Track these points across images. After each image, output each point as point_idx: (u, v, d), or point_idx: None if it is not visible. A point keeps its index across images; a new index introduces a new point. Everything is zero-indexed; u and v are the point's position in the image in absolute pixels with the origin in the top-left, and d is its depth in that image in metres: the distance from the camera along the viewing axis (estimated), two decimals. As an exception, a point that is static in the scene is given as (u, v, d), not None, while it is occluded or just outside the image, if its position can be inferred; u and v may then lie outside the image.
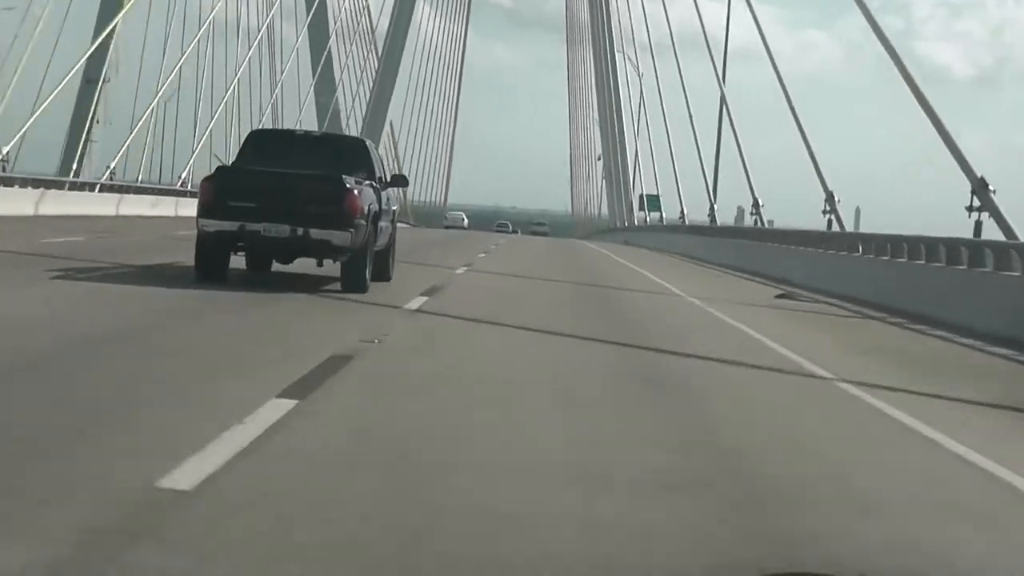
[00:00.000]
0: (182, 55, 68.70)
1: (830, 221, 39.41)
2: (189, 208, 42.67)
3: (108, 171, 58.57)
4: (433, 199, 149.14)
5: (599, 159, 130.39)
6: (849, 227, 39.80)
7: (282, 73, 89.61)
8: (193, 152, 70.26)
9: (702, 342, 16.87)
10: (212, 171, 20.80)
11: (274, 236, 19.60)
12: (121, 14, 60.82)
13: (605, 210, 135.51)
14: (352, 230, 19.63)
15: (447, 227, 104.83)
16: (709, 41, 58.74)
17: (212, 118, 72.92)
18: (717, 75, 53.73)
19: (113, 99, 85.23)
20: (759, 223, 50.62)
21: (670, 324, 19.74)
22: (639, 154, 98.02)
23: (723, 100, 56.98)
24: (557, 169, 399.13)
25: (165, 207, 57.00)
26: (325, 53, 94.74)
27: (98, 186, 53.68)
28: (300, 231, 19.54)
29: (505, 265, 34.51)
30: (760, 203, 50.27)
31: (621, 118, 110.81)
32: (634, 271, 38.00)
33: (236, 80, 79.11)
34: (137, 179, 69.39)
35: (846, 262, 32.33)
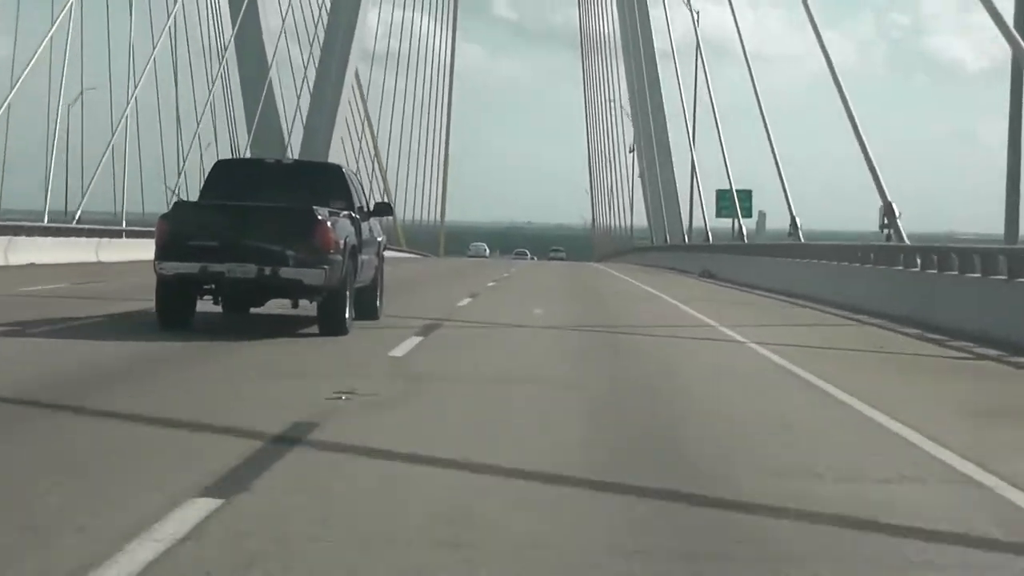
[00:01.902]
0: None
1: (888, 236, 33.69)
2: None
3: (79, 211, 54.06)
4: (426, 219, 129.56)
5: (631, 151, 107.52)
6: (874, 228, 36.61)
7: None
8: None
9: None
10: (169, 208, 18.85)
11: (240, 277, 17.68)
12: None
13: (635, 220, 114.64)
14: (326, 267, 17.68)
15: (471, 256, 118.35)
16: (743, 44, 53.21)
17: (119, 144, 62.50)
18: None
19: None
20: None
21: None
22: (691, 136, 73.09)
23: (839, 87, 36.01)
24: (574, 183, 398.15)
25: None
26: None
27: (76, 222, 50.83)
28: (268, 271, 17.62)
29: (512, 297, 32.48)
30: (898, 211, 34.42)
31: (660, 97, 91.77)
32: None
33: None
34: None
35: None
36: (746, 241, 59.70)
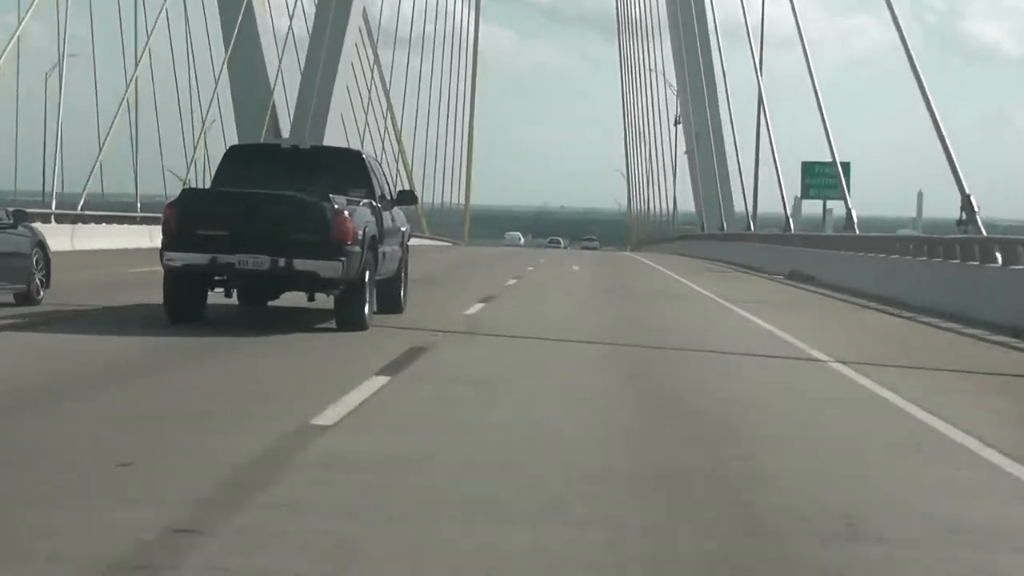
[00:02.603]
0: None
1: (966, 231, 29.03)
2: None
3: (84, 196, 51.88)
4: (451, 203, 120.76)
5: (677, 123, 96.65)
6: (912, 213, 34.66)
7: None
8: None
9: None
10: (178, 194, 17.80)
11: (252, 269, 16.62)
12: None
13: (679, 204, 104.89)
14: (343, 259, 16.61)
15: (506, 245, 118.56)
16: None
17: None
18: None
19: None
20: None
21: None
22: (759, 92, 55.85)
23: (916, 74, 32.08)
24: (607, 166, 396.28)
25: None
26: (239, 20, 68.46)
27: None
28: (282, 262, 16.55)
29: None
30: (976, 206, 29.35)
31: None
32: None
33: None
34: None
35: None
36: (856, 231, 40.58)
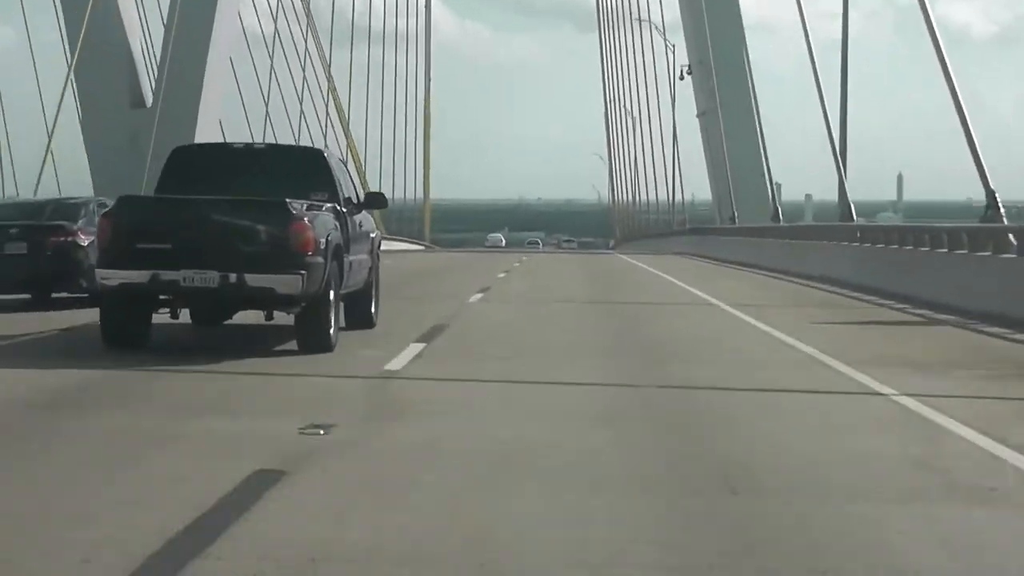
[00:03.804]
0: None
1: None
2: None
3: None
4: (406, 196, 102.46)
5: (684, 76, 76.76)
6: (891, 197, 32.11)
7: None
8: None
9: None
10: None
11: (199, 287, 14.56)
12: None
13: (678, 193, 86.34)
14: (303, 272, 14.56)
15: (488, 247, 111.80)
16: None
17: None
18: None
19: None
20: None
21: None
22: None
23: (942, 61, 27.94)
24: (585, 156, 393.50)
25: None
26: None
27: None
28: (233, 278, 14.49)
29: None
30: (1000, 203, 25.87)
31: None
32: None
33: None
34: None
35: None
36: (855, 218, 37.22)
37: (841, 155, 39.12)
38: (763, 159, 61.60)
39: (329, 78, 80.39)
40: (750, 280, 36.08)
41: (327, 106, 79.80)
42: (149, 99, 63.34)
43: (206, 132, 60.94)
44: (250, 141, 18.06)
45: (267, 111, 70.93)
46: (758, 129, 63.15)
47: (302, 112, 75.00)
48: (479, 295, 26.58)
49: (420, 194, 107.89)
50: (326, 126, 78.86)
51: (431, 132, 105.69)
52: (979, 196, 27.95)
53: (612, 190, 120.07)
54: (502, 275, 36.31)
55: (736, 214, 60.60)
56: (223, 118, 65.16)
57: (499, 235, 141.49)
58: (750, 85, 66.91)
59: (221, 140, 51.60)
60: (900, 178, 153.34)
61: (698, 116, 76.50)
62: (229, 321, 17.26)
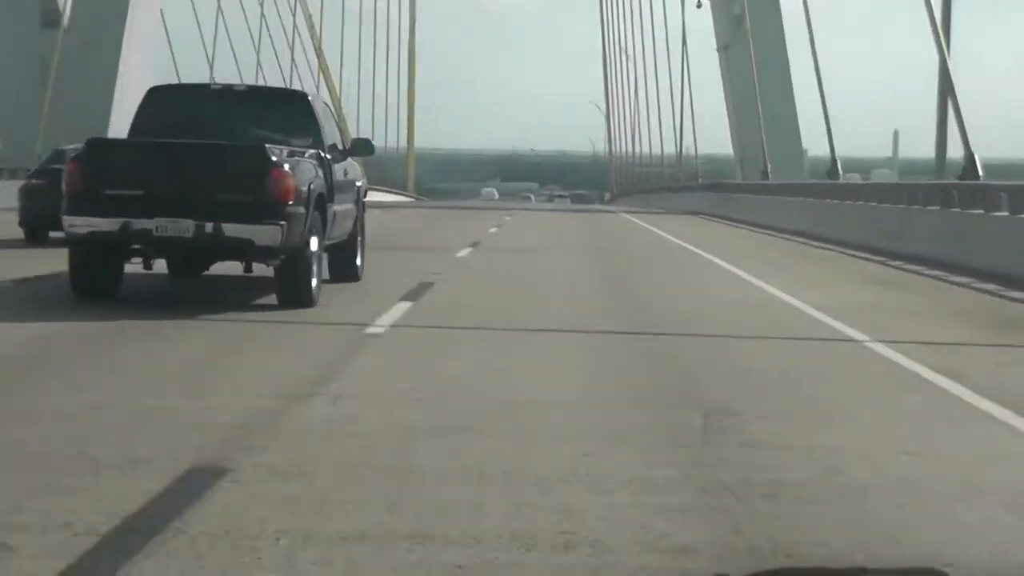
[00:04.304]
0: None
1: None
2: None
3: None
4: (389, 145, 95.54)
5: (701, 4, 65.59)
6: (887, 153, 31.63)
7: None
8: None
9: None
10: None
11: (173, 236, 13.72)
12: None
13: (688, 146, 74.57)
14: (283, 222, 13.72)
15: (482, 200, 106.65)
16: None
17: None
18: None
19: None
20: None
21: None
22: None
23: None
24: (579, 107, 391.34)
25: None
26: None
27: None
28: (209, 227, 13.65)
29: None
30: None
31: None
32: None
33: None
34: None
35: None
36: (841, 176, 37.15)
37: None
38: (794, 104, 54.35)
39: (308, 16, 74.51)
40: (875, 275, 22.17)
41: (292, 43, 72.89)
42: (67, 17, 54.17)
43: (134, 60, 54.55)
44: (231, 82, 17.00)
45: (216, 45, 63.69)
46: (788, 67, 55.61)
47: (275, 51, 68.90)
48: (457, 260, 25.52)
49: (400, 142, 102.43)
50: (291, 67, 72.34)
51: (418, 79, 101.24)
52: (982, 154, 27.23)
53: (609, 141, 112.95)
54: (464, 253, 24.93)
55: (768, 167, 50.00)
56: (167, 52, 59.21)
57: (492, 190, 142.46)
58: (779, 15, 58.96)
59: (151, 72, 48.01)
60: (896, 135, 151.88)
61: (718, 50, 65.39)
62: (207, 272, 16.51)
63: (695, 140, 73.47)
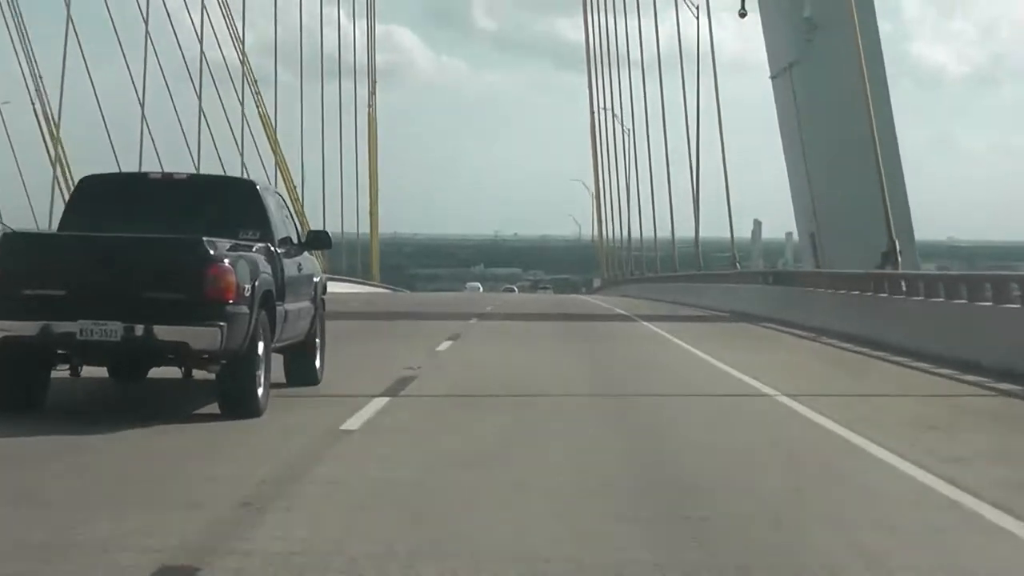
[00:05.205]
0: None
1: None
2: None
3: None
4: (350, 229, 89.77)
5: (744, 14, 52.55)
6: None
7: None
8: None
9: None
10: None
11: (98, 340, 12.26)
12: None
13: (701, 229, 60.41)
14: (222, 324, 12.27)
15: (467, 290, 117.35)
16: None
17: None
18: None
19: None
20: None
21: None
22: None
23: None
24: (562, 189, 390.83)
25: None
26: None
27: None
28: (139, 330, 12.19)
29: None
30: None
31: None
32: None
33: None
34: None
35: None
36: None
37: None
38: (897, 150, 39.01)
39: (271, 133, 71.11)
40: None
41: (242, 135, 69.35)
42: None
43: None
44: (169, 172, 15.56)
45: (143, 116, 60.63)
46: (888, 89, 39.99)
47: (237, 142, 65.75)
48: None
49: (382, 229, 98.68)
50: (240, 159, 68.42)
51: (401, 165, 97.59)
52: (961, 236, 26.01)
53: (599, 222, 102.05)
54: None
55: (899, 247, 32.56)
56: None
57: (477, 284, 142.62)
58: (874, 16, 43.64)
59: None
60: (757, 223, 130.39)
61: (772, 77, 53.34)
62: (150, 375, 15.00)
63: (697, 221, 60.96)
